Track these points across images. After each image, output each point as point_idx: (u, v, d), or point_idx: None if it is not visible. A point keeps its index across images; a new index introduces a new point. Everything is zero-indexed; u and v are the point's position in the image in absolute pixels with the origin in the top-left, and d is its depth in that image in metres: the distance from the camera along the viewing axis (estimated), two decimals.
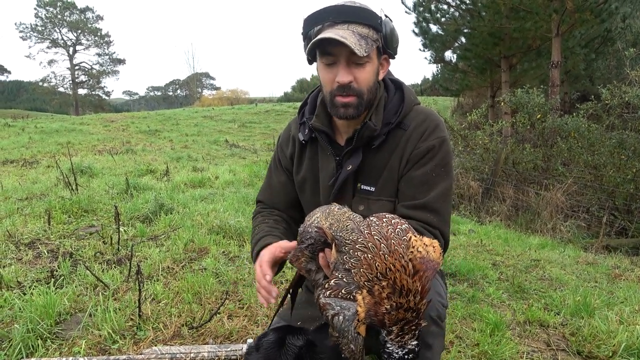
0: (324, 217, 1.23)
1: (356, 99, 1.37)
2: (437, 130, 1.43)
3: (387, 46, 1.39)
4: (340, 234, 1.14)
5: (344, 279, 1.07)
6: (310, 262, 1.21)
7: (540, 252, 4.55)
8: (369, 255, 1.05)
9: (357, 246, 1.08)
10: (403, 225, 1.12)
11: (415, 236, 1.10)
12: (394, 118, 1.45)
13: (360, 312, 1.02)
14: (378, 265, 1.03)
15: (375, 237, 1.08)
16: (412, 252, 1.05)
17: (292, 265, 1.31)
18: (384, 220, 1.13)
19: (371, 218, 1.16)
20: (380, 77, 1.45)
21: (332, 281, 1.09)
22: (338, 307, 1.05)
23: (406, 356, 1.01)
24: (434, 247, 1.09)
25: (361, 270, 1.04)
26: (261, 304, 1.45)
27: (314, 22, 1.36)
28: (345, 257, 1.09)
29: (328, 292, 1.08)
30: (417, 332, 1.02)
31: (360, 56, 1.29)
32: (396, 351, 1.01)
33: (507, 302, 2.92)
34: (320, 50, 1.36)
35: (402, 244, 1.06)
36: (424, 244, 1.08)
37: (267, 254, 1.37)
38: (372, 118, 1.42)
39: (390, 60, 1.48)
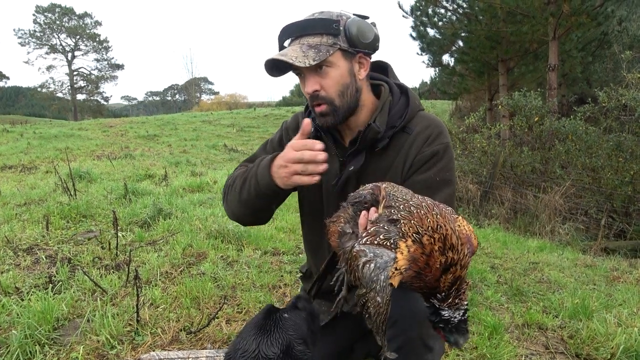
0: (381, 183, 1.21)
1: (328, 107, 1.40)
2: (441, 136, 1.44)
3: (354, 45, 1.38)
4: (394, 193, 1.11)
5: (385, 227, 1.01)
6: (348, 223, 1.18)
7: (539, 255, 4.55)
8: (422, 211, 1.01)
9: (410, 203, 1.05)
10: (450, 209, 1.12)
11: (462, 220, 1.09)
12: (398, 122, 1.45)
13: (399, 259, 0.95)
14: (430, 220, 0.98)
15: (428, 201, 1.06)
16: (459, 226, 1.04)
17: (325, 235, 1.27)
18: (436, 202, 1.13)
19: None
20: (362, 75, 1.45)
21: (371, 228, 1.04)
22: (371, 254, 0.99)
23: (463, 317, 0.96)
24: (474, 235, 1.08)
25: (412, 221, 0.99)
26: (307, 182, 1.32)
27: (279, 42, 1.44)
28: (394, 211, 1.04)
29: (364, 240, 1.02)
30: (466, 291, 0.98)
31: (307, 66, 1.33)
32: (454, 315, 0.95)
33: (506, 305, 2.92)
34: (268, 67, 1.42)
35: (452, 217, 1.04)
36: (470, 228, 1.07)
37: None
38: (377, 120, 1.42)
39: (370, 56, 1.47)
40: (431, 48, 16.91)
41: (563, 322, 2.64)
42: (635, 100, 7.56)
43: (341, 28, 1.36)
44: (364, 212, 1.14)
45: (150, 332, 2.17)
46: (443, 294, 0.95)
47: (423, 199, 1.07)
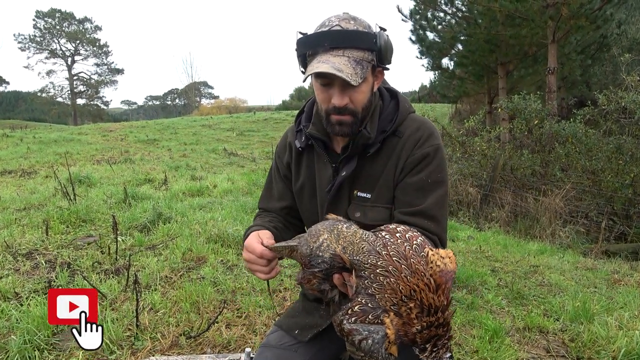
0: (335, 240, 1.17)
1: (351, 118, 1.38)
2: (432, 138, 1.45)
3: (381, 61, 1.39)
4: (357, 257, 1.11)
5: (369, 305, 1.06)
6: (324, 283, 1.19)
7: (539, 258, 4.54)
8: (392, 280, 1.04)
9: (377, 270, 1.07)
10: (418, 240, 1.11)
11: (432, 250, 1.09)
12: (388, 126, 1.46)
13: (390, 335, 1.03)
14: (402, 288, 1.03)
15: (394, 258, 1.07)
16: (431, 267, 1.05)
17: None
18: (398, 236, 1.11)
19: (384, 235, 1.13)
20: (375, 88, 1.46)
21: (356, 307, 1.08)
22: (366, 332, 1.05)
23: None
24: (450, 258, 1.08)
25: (385, 295, 1.04)
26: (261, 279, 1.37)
27: (309, 45, 1.36)
28: (367, 282, 1.08)
29: (353, 319, 1.07)
30: (449, 344, 1.03)
31: (355, 85, 1.29)
32: None
33: (507, 308, 2.91)
34: (315, 74, 1.36)
35: (422, 261, 1.06)
36: (441, 257, 1.08)
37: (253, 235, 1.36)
38: (367, 126, 1.43)
39: (385, 71, 1.48)
40: (430, 51, 16.93)
41: (564, 325, 2.63)
42: (634, 102, 7.57)
43: (376, 43, 1.35)
44: (336, 276, 1.15)
45: (149, 337, 2.16)
46: (421, 346, 1.02)
47: (388, 256, 1.07)
